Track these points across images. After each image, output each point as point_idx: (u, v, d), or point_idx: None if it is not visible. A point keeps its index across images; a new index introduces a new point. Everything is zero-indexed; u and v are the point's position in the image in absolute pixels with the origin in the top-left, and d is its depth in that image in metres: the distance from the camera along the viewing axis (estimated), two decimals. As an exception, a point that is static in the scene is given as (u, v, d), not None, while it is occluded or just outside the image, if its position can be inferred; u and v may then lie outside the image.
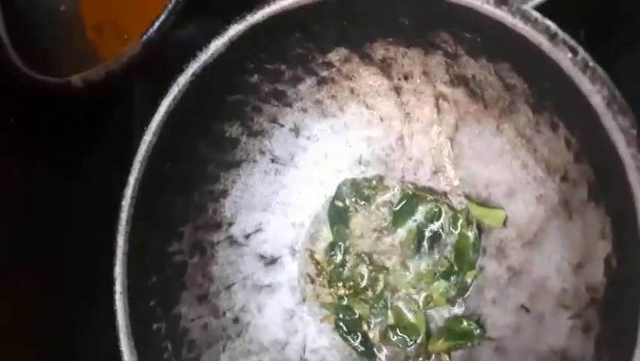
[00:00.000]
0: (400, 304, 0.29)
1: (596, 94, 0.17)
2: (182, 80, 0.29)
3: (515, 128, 0.24)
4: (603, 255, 0.19)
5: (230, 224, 0.34)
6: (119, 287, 0.30)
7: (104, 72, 0.34)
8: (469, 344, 0.26)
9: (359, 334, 0.31)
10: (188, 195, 0.33)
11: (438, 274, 0.28)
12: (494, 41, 0.21)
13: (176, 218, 0.33)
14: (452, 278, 0.28)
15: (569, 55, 0.18)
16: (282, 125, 0.33)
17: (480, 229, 0.27)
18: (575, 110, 0.19)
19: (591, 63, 0.17)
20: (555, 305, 0.23)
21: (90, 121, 0.41)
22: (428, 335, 0.28)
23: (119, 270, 0.30)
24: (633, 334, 0.16)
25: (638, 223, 0.16)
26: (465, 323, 0.26)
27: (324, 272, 0.32)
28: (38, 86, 0.36)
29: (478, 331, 0.26)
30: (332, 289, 0.32)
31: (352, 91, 0.30)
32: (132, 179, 0.30)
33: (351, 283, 0.31)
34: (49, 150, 0.39)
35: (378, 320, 0.30)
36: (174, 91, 0.29)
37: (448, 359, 0.27)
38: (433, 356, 0.27)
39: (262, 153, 0.34)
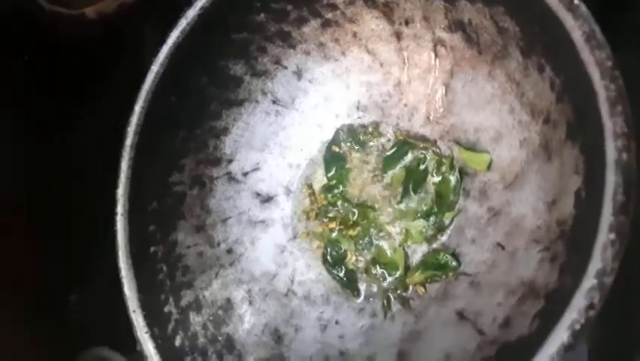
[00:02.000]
0: (382, 242, 0.31)
1: (577, 30, 0.18)
2: (191, 13, 0.30)
3: (506, 72, 0.25)
4: (574, 188, 0.21)
5: (230, 161, 0.36)
6: (120, 209, 0.32)
7: (116, 4, 0.35)
8: (444, 276, 0.28)
9: (343, 267, 0.33)
10: (191, 129, 0.34)
11: (419, 214, 0.29)
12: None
13: (178, 150, 0.34)
14: (431, 218, 0.29)
15: (556, -8, 0.19)
16: (285, 67, 0.34)
17: (462, 174, 0.28)
18: (560, 49, 0.20)
19: (575, 1, 0.18)
20: (528, 241, 0.24)
21: (103, 61, 0.42)
22: (407, 269, 0.29)
23: (121, 192, 0.32)
24: (588, 254, 0.17)
25: (606, 152, 0.17)
26: (442, 256, 0.28)
27: (316, 207, 0.34)
28: (53, 17, 0.37)
29: (454, 263, 0.27)
30: (322, 223, 0.33)
31: (355, 35, 0.31)
32: (138, 107, 0.31)
33: (341, 220, 0.33)
34: (60, 88, 0.40)
35: (362, 254, 0.32)
36: (182, 24, 0.31)
37: (423, 290, 0.28)
38: (410, 288, 0.29)
39: (264, 93, 0.35)
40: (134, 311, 0.30)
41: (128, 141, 0.31)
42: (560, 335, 0.17)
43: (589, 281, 0.16)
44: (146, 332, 0.30)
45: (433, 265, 0.28)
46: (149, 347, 0.30)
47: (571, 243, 0.20)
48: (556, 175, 0.23)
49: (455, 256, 0.28)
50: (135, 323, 0.30)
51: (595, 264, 0.16)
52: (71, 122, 0.40)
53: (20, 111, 0.37)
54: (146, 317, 0.30)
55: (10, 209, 0.37)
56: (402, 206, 0.31)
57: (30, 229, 0.39)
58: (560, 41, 0.19)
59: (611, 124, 0.17)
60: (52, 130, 0.39)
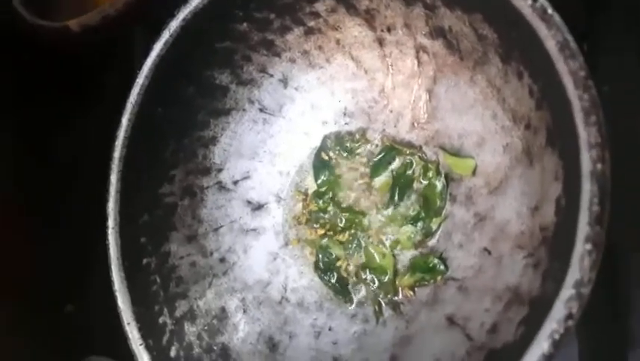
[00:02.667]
0: (371, 247, 0.31)
1: (550, 39, 0.18)
2: (174, 24, 0.30)
3: (487, 78, 0.25)
4: (555, 195, 0.21)
5: (220, 170, 0.36)
6: (111, 222, 0.32)
7: (100, 17, 0.35)
8: (432, 280, 0.28)
9: (335, 274, 0.33)
10: (179, 139, 0.34)
11: (406, 220, 0.30)
12: (468, -9, 0.22)
13: (167, 161, 0.34)
14: (419, 224, 0.29)
15: (529, 2, 0.19)
16: (271, 75, 0.34)
17: (448, 180, 0.29)
18: (536, 57, 0.20)
19: (549, 10, 0.18)
20: (513, 247, 0.24)
21: (91, 71, 0.42)
22: (396, 273, 0.30)
23: (111, 206, 0.32)
24: (567, 263, 0.17)
25: (581, 162, 0.17)
26: (430, 259, 0.28)
27: (307, 214, 0.34)
28: (37, 30, 0.37)
29: (442, 267, 0.28)
30: (313, 230, 0.34)
31: (338, 42, 0.31)
32: (125, 120, 0.32)
33: (330, 226, 0.33)
34: (48, 98, 0.40)
35: (352, 260, 0.32)
36: (165, 35, 0.31)
37: (413, 294, 0.29)
38: (400, 292, 0.29)
39: (251, 102, 0.35)
40: (128, 324, 0.31)
41: (116, 153, 0.32)
42: (541, 345, 0.17)
43: (567, 291, 0.17)
44: (141, 344, 0.30)
45: (421, 268, 0.28)
46: (144, 359, 0.30)
47: (552, 250, 0.20)
48: (538, 181, 0.23)
49: (443, 259, 0.28)
50: (130, 335, 0.31)
51: (573, 274, 0.17)
52: (60, 130, 0.40)
53: (9, 121, 0.37)
54: (140, 329, 0.31)
55: (4, 217, 0.37)
56: (390, 212, 0.31)
57: (24, 238, 0.39)
58: (536, 49, 0.19)
59: (585, 134, 0.17)
60: (43, 137, 0.39)
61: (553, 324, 0.17)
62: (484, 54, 0.24)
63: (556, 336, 0.17)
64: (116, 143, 0.32)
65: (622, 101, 0.30)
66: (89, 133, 0.40)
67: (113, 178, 0.32)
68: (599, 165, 0.17)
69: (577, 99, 0.17)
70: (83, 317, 0.45)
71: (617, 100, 0.30)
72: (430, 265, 0.28)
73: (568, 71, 0.17)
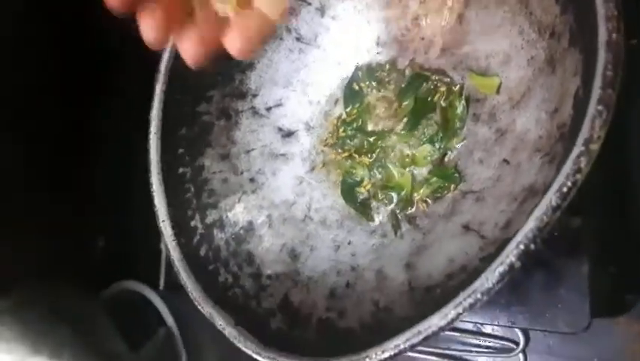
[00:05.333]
0: (391, 166, 0.33)
1: None
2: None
3: (516, -6, 0.27)
4: (574, 90, 0.22)
5: (254, 96, 0.38)
6: (153, 128, 0.34)
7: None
8: (446, 190, 0.30)
9: (358, 194, 0.35)
10: (218, 62, 0.36)
11: (426, 139, 0.31)
12: None
13: (206, 82, 0.36)
14: (437, 144, 0.31)
15: None
16: (309, 4, 0.36)
17: (470, 101, 0.30)
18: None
19: None
20: (531, 152, 0.26)
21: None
22: (413, 189, 0.31)
23: (154, 113, 0.34)
24: (579, 128, 0.19)
25: (598, 34, 0.19)
26: (445, 170, 0.30)
27: (334, 140, 0.36)
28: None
29: (457, 175, 0.29)
30: (339, 154, 0.35)
31: (376, -30, 0.33)
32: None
33: (355, 149, 0.35)
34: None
35: (374, 181, 0.34)
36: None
37: (427, 206, 0.30)
38: (416, 205, 0.31)
39: (288, 30, 0.37)
40: (163, 221, 0.33)
41: (162, 66, 0.34)
42: (550, 198, 0.18)
43: (577, 148, 0.18)
44: (174, 240, 0.33)
45: (437, 174, 0.30)
46: (175, 253, 0.32)
47: (568, 140, 0.22)
48: (559, 84, 0.24)
49: (457, 170, 0.29)
50: (164, 231, 0.33)
51: (584, 133, 0.18)
52: (105, 62, 0.43)
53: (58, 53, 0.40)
54: (173, 227, 0.33)
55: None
56: (410, 132, 0.32)
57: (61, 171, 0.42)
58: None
59: (603, 9, 0.18)
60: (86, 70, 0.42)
61: (562, 178, 0.18)
62: (515, -31, 0.26)
63: (564, 189, 0.18)
64: (163, 56, 0.34)
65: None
66: (130, 66, 0.43)
67: (158, 89, 0.35)
68: (614, 35, 0.18)
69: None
70: (114, 248, 0.48)
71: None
72: (446, 173, 0.29)
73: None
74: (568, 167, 0.18)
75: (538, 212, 0.18)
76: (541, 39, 0.25)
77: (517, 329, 0.32)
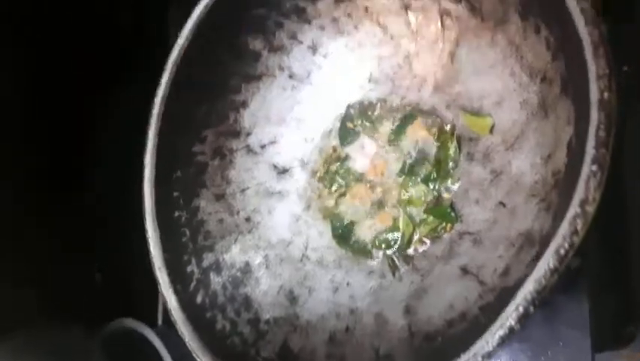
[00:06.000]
0: (386, 207, 0.33)
1: (564, -17, 0.19)
2: (213, -10, 0.33)
3: (507, 37, 0.26)
4: (567, 139, 0.22)
5: (249, 134, 0.38)
6: (147, 174, 0.34)
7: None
8: (443, 229, 0.29)
9: (352, 236, 0.34)
10: (213, 102, 0.36)
11: (419, 179, 0.31)
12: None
13: (200, 122, 0.36)
14: (431, 184, 0.31)
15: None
16: (300, 42, 0.36)
17: (462, 141, 0.30)
18: (552, 6, 0.21)
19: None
20: (527, 196, 0.25)
21: (132, 38, 0.45)
22: (409, 229, 0.31)
23: (148, 159, 0.34)
24: (574, 184, 0.19)
25: (590, 93, 0.18)
26: (441, 206, 0.30)
27: (328, 179, 0.36)
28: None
29: (453, 214, 0.29)
30: (332, 194, 0.35)
31: (366, 9, 0.33)
32: (164, 80, 0.34)
33: (349, 190, 0.35)
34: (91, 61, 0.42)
35: (368, 221, 0.34)
36: (205, 0, 0.33)
37: (425, 245, 0.30)
38: (413, 246, 0.31)
39: (281, 68, 0.37)
40: (159, 269, 0.33)
41: (155, 110, 0.34)
42: (547, 260, 0.18)
43: (573, 209, 0.18)
44: (170, 288, 0.32)
45: (433, 214, 0.30)
46: (172, 301, 0.32)
47: (563, 189, 0.22)
48: (552, 130, 0.24)
49: (453, 207, 0.29)
50: (160, 279, 0.32)
51: (579, 194, 0.18)
52: (102, 94, 0.43)
53: (53, 81, 0.40)
54: (169, 274, 0.33)
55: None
56: (404, 173, 0.32)
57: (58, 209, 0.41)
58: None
59: (594, 67, 0.18)
60: (83, 101, 0.42)
61: (559, 240, 0.18)
62: (505, 13, 0.26)
63: (562, 251, 0.18)
64: (155, 100, 0.34)
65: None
66: (125, 99, 0.43)
67: (151, 133, 0.34)
68: (606, 94, 0.18)
69: (587, 35, 0.18)
70: (111, 284, 0.47)
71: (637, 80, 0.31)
72: (442, 212, 0.29)
73: (579, 10, 0.19)
74: (564, 228, 0.18)
75: (537, 274, 0.18)
76: (533, 83, 0.25)
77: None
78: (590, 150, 0.18)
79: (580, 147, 0.19)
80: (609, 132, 0.18)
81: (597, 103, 0.18)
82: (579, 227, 0.18)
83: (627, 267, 0.32)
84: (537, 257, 0.22)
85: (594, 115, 0.18)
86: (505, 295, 0.23)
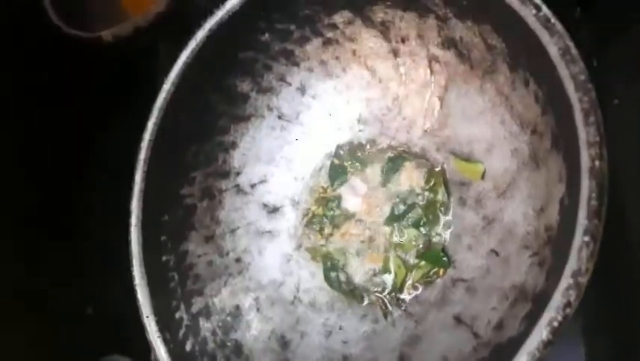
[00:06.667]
0: (377, 251, 0.32)
1: (553, 45, 0.19)
2: (200, 34, 0.32)
3: (496, 87, 0.26)
4: (559, 196, 0.22)
5: (238, 174, 0.38)
6: (134, 220, 0.33)
7: (132, 28, 0.37)
8: (435, 274, 0.29)
9: (343, 279, 0.34)
10: (201, 143, 0.36)
11: (409, 223, 0.31)
12: (477, 4, 0.24)
13: (188, 164, 0.36)
14: (422, 228, 0.30)
15: (534, 11, 0.20)
16: (289, 84, 0.35)
17: (452, 186, 0.30)
18: (540, 64, 0.21)
19: (552, 19, 0.20)
20: (519, 247, 0.25)
21: (119, 81, 0.45)
22: (401, 273, 0.31)
23: (135, 204, 0.33)
24: (566, 254, 0.18)
25: (581, 160, 0.18)
26: (434, 250, 0.29)
27: (319, 219, 0.35)
28: (72, 39, 0.39)
29: (445, 258, 0.29)
30: (323, 235, 0.35)
31: (354, 53, 0.33)
32: (151, 123, 0.33)
33: (339, 231, 0.34)
34: (79, 104, 0.42)
35: (359, 264, 0.33)
36: (192, 45, 0.33)
37: (418, 290, 0.30)
38: (406, 291, 0.30)
39: (270, 109, 0.37)
40: (147, 317, 0.32)
41: (142, 155, 0.33)
42: (540, 333, 0.18)
43: (565, 281, 0.17)
44: (159, 337, 0.31)
45: (425, 258, 0.29)
46: (161, 351, 0.31)
47: (556, 248, 0.21)
48: (543, 183, 0.24)
49: (445, 252, 0.29)
50: (148, 327, 0.32)
51: (571, 265, 0.17)
52: (90, 136, 0.42)
53: (42, 124, 0.39)
54: (158, 322, 0.32)
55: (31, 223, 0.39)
56: (394, 217, 0.32)
57: (48, 244, 0.41)
58: (540, 57, 0.21)
59: (584, 134, 0.18)
60: (72, 143, 0.41)
61: (552, 312, 0.18)
62: (493, 63, 0.26)
63: (555, 324, 0.17)
64: (142, 145, 0.34)
65: (631, 114, 0.31)
66: (115, 139, 0.42)
67: (138, 177, 0.34)
68: (597, 163, 0.18)
69: (577, 101, 0.18)
70: (103, 318, 0.46)
71: (627, 114, 0.31)
72: (434, 257, 0.29)
73: (569, 74, 0.19)
74: (557, 300, 0.17)
75: (529, 347, 0.18)
76: (524, 133, 0.25)
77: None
78: (582, 221, 0.17)
79: (572, 213, 0.19)
80: (601, 202, 0.17)
81: (588, 171, 0.18)
82: (572, 299, 0.17)
83: (624, 308, 0.32)
84: (529, 315, 0.22)
85: (585, 183, 0.18)
86: (499, 354, 0.23)
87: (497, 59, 0.25)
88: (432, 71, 0.30)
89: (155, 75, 0.44)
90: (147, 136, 0.33)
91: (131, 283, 0.34)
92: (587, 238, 0.17)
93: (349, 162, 0.35)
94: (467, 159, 0.30)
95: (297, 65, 0.35)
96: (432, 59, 0.30)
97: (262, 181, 0.38)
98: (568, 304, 0.17)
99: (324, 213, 0.35)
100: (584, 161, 0.18)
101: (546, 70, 0.21)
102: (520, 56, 0.23)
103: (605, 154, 0.18)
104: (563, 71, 0.19)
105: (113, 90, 0.44)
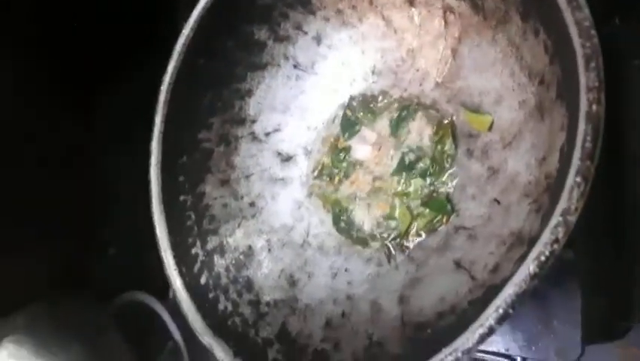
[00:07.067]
0: (384, 198, 0.34)
1: (561, -8, 0.20)
2: (220, -20, 0.33)
3: (507, 37, 0.27)
4: (560, 144, 0.22)
5: (253, 122, 0.39)
6: (154, 160, 0.35)
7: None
8: (439, 222, 0.30)
9: (351, 225, 0.35)
10: (218, 90, 0.37)
11: (416, 173, 0.32)
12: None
13: (206, 109, 0.37)
14: (428, 178, 0.31)
15: (545, -43, 0.20)
16: (305, 33, 0.36)
17: (460, 137, 0.30)
18: (550, 12, 0.21)
19: (562, -35, 0.20)
20: (520, 195, 0.26)
21: (140, 26, 0.45)
22: (407, 220, 0.32)
23: (155, 145, 0.35)
24: (558, 194, 0.19)
25: (580, 104, 0.19)
26: (439, 199, 0.30)
27: (330, 167, 0.37)
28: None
29: (449, 206, 0.30)
30: (334, 183, 0.36)
31: (371, 2, 0.33)
32: (171, 67, 0.34)
33: (349, 179, 0.35)
34: (101, 52, 0.43)
35: (367, 211, 0.34)
36: (211, -10, 0.33)
37: (421, 237, 0.31)
38: (410, 237, 0.32)
39: (286, 58, 0.37)
40: (164, 251, 0.34)
41: (162, 97, 0.35)
42: (528, 265, 0.19)
43: (555, 219, 0.18)
44: (175, 270, 0.34)
45: (429, 206, 0.30)
46: (177, 283, 0.33)
47: (553, 194, 0.22)
48: (547, 133, 0.24)
49: (450, 200, 0.30)
50: (165, 261, 0.34)
51: (562, 204, 0.18)
52: (113, 82, 0.44)
53: (64, 71, 0.41)
54: (175, 256, 0.34)
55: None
56: (402, 166, 0.33)
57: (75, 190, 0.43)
58: (550, 5, 0.21)
59: (584, 78, 0.18)
60: (95, 90, 0.42)
61: (540, 247, 0.19)
62: (506, 13, 0.26)
63: (542, 258, 0.19)
64: (162, 88, 0.35)
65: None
66: (136, 84, 0.43)
67: (158, 119, 0.35)
68: (594, 107, 0.18)
69: (580, 47, 0.19)
70: (124, 258, 0.49)
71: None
72: (438, 205, 0.30)
73: (574, 21, 0.19)
74: (546, 236, 0.18)
75: (517, 278, 0.19)
76: (532, 84, 0.25)
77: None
78: (575, 162, 0.18)
79: (568, 156, 0.20)
80: (595, 144, 0.18)
81: (585, 115, 0.18)
82: (560, 235, 0.18)
83: (620, 264, 0.33)
84: (523, 257, 0.23)
85: (581, 126, 0.18)
86: (491, 293, 0.24)
87: (510, 8, 0.25)
88: (446, 22, 0.30)
89: (175, 21, 0.45)
90: (167, 79, 0.35)
91: (151, 228, 0.36)
92: (578, 179, 0.18)
93: (361, 114, 0.36)
94: (476, 110, 0.30)
95: (313, 13, 0.35)
96: (447, 10, 0.30)
97: (276, 130, 0.39)
98: (556, 241, 0.18)
99: (334, 163, 0.36)
100: (582, 104, 0.18)
101: (554, 18, 0.21)
102: (532, 5, 0.24)
103: (602, 99, 0.18)
104: (569, 18, 0.19)
105: (135, 34, 0.45)
